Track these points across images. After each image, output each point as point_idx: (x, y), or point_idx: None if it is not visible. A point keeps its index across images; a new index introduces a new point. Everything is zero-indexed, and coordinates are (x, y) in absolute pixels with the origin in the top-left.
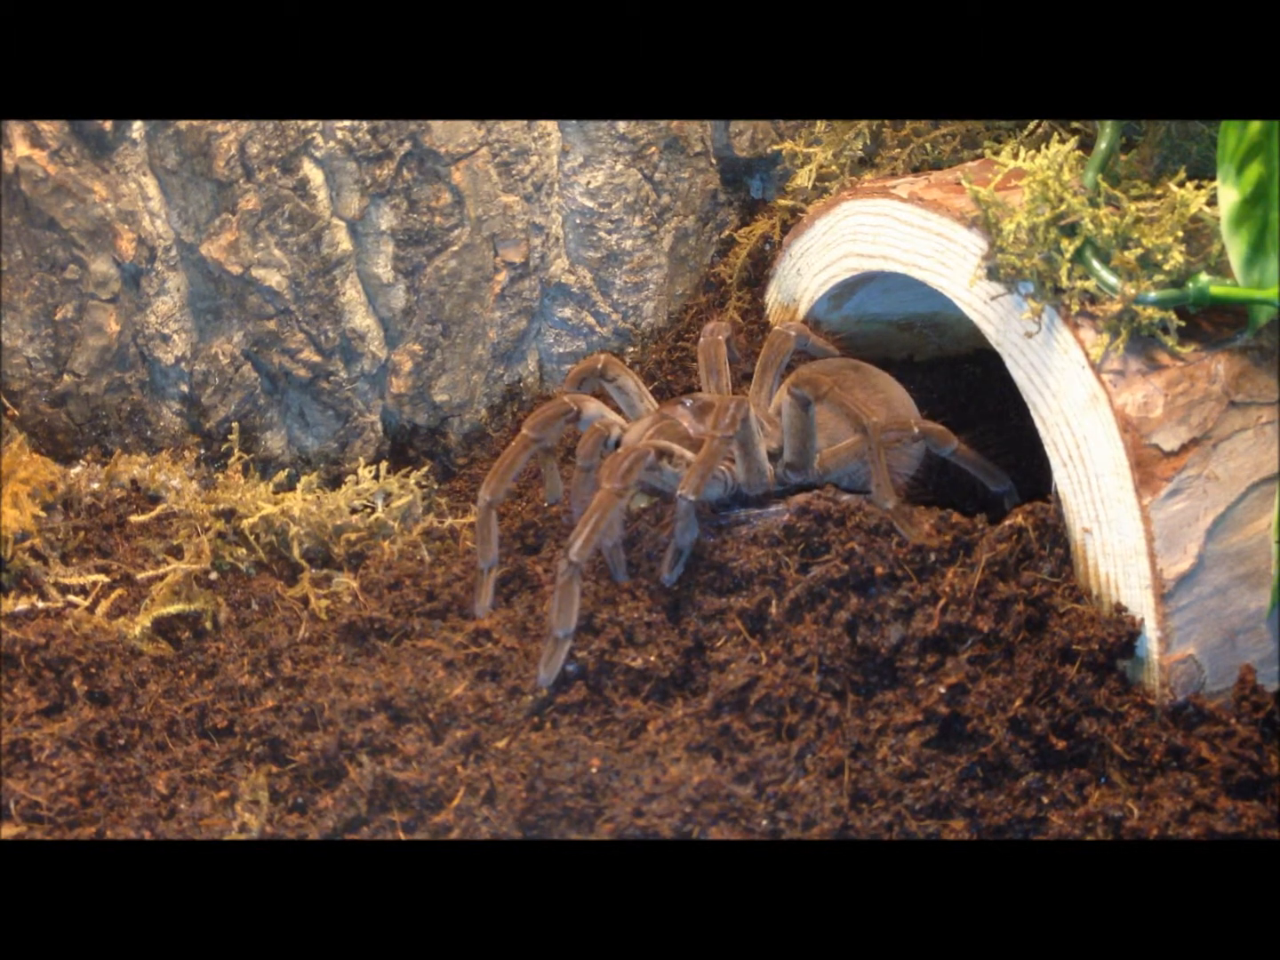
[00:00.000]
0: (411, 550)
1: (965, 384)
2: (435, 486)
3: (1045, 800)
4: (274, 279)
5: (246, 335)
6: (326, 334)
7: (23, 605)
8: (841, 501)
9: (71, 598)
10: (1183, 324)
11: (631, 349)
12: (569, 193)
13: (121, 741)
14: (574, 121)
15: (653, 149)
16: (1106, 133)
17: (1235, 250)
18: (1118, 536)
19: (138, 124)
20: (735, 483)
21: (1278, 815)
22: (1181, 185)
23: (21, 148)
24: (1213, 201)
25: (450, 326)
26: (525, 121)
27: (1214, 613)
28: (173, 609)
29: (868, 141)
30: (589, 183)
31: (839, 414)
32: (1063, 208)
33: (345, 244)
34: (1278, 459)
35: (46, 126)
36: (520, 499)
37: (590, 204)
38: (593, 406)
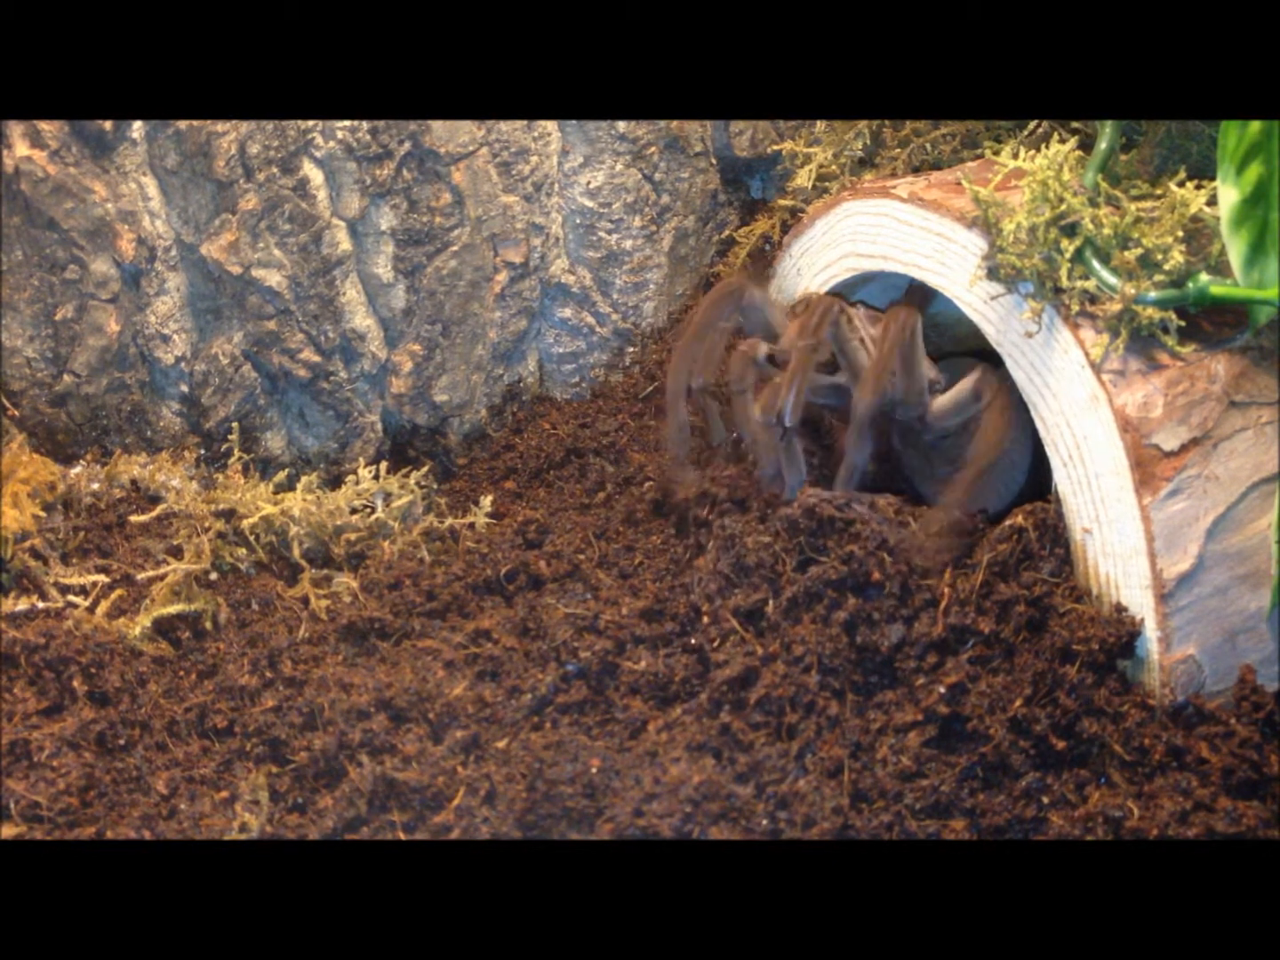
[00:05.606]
0: (411, 550)
1: None
2: (435, 486)
3: (1045, 800)
4: (274, 279)
5: (246, 335)
6: (326, 334)
7: (23, 605)
8: (852, 509)
9: (71, 598)
10: (1183, 324)
11: (631, 349)
12: (569, 193)
13: (121, 741)
14: (574, 121)
15: (653, 149)
16: (1106, 133)
17: (1235, 250)
18: (1118, 536)
19: (138, 124)
20: (892, 397)
21: (1278, 815)
22: (1181, 185)
23: (21, 148)
24: (1213, 201)
25: (450, 326)
26: (525, 121)
27: (1214, 613)
28: (173, 609)
29: (868, 141)
30: (589, 183)
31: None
32: (1063, 208)
33: (345, 244)
34: (1278, 459)
35: (46, 126)
36: (520, 499)
37: (590, 204)
38: (758, 293)
